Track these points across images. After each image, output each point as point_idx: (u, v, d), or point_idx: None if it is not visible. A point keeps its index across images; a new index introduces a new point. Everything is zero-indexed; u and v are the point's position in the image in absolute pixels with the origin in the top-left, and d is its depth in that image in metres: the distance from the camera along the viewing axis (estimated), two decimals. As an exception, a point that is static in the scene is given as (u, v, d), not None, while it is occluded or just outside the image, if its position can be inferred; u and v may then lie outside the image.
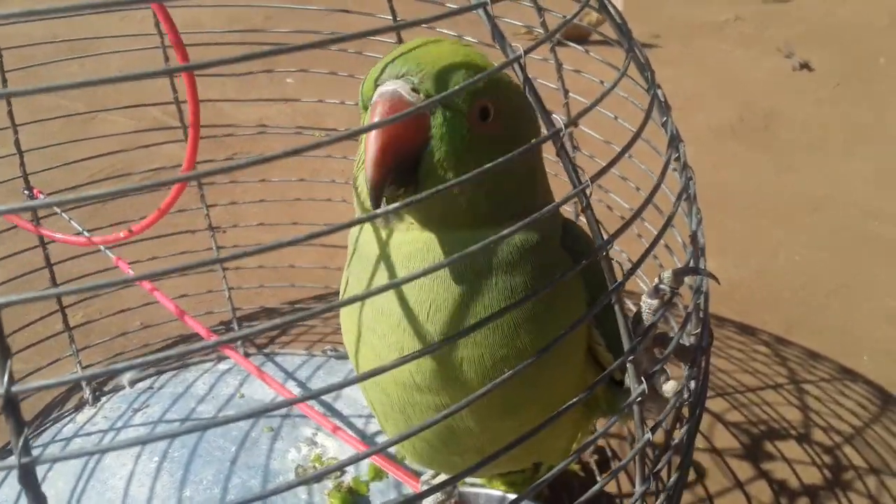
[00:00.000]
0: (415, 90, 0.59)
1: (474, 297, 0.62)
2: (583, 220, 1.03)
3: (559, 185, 0.72)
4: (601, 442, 1.21)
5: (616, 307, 0.57)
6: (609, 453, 1.19)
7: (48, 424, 1.23)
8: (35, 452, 1.15)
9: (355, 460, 0.46)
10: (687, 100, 2.43)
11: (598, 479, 1.15)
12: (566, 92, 1.13)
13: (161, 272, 0.42)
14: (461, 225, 0.62)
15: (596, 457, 1.20)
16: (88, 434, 1.19)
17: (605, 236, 0.55)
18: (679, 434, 0.68)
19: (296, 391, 1.27)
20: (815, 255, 1.75)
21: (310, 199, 1.39)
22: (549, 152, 0.65)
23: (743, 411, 1.33)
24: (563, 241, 0.67)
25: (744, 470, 1.22)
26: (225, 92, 1.93)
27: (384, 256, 0.64)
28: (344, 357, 1.37)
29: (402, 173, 0.59)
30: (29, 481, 0.41)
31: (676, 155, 0.72)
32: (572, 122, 0.54)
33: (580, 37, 2.39)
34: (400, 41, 1.19)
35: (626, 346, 0.58)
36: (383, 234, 0.65)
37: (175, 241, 1.33)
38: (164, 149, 1.32)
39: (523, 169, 0.65)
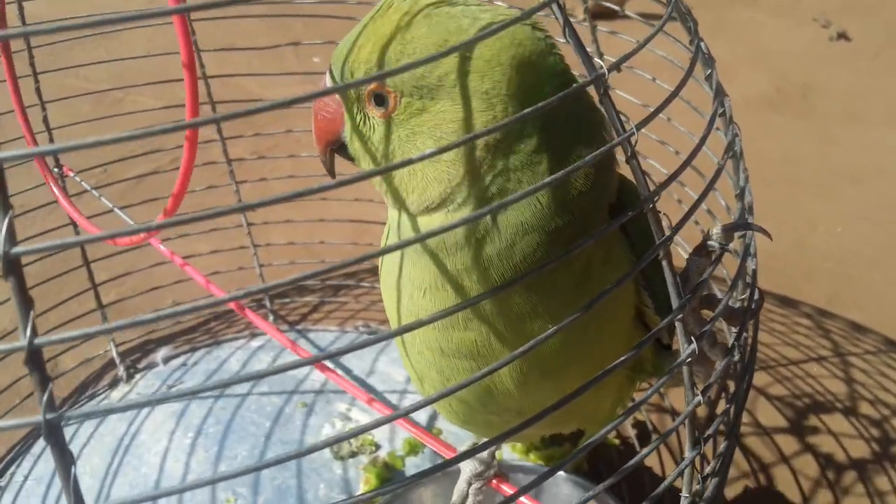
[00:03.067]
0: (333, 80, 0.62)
1: (511, 261, 0.59)
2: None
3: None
4: (641, 416, 1.19)
5: (664, 262, 0.54)
6: (650, 427, 1.16)
7: (83, 401, 1.23)
8: (69, 431, 1.15)
9: (391, 419, 0.44)
10: (722, 72, 2.37)
11: (639, 452, 1.13)
12: (601, 55, 1.10)
13: (187, 219, 0.40)
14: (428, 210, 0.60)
15: (636, 431, 1.17)
16: (122, 411, 1.19)
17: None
18: (721, 403, 0.65)
19: (329, 366, 1.26)
20: (856, 226, 1.70)
21: (338, 174, 1.37)
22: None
23: (786, 385, 1.30)
24: (613, 211, 0.63)
25: (789, 444, 1.19)
26: (251, 69, 1.92)
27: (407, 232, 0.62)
28: (375, 333, 1.35)
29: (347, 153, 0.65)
30: (55, 439, 0.40)
31: (721, 110, 0.68)
32: (616, 66, 0.52)
33: (605, 15, 2.33)
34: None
35: (674, 303, 0.55)
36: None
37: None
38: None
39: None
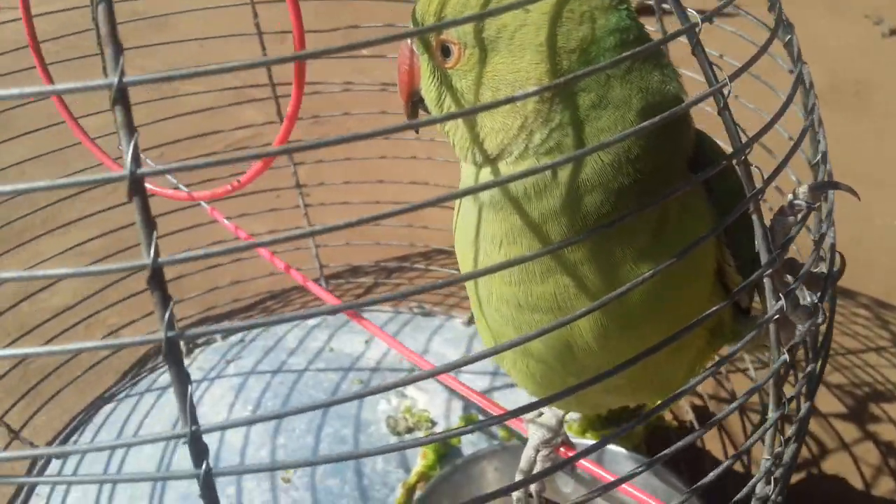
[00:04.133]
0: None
1: (577, 215, 0.59)
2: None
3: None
4: (699, 401, 1.18)
5: (755, 217, 0.54)
6: (713, 415, 1.15)
7: (144, 374, 1.25)
8: (130, 402, 1.17)
9: (470, 361, 0.43)
10: (773, 69, 2.34)
11: (699, 438, 1.12)
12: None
13: (269, 241, 0.41)
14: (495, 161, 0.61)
15: (694, 414, 1.16)
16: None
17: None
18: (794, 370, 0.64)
19: (384, 346, 1.26)
20: (913, 220, 1.67)
21: (394, 157, 1.38)
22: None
23: (845, 373, 1.28)
24: (692, 165, 0.63)
25: (849, 432, 1.17)
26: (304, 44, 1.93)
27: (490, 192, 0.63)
28: (428, 314, 1.35)
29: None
30: (174, 356, 0.41)
31: (801, 71, 0.68)
32: (709, 16, 0.52)
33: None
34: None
35: (763, 258, 0.55)
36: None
37: (262, 199, 1.34)
38: (245, 112, 1.33)
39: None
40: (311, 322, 1.32)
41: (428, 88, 0.64)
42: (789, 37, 0.70)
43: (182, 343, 1.29)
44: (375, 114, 1.34)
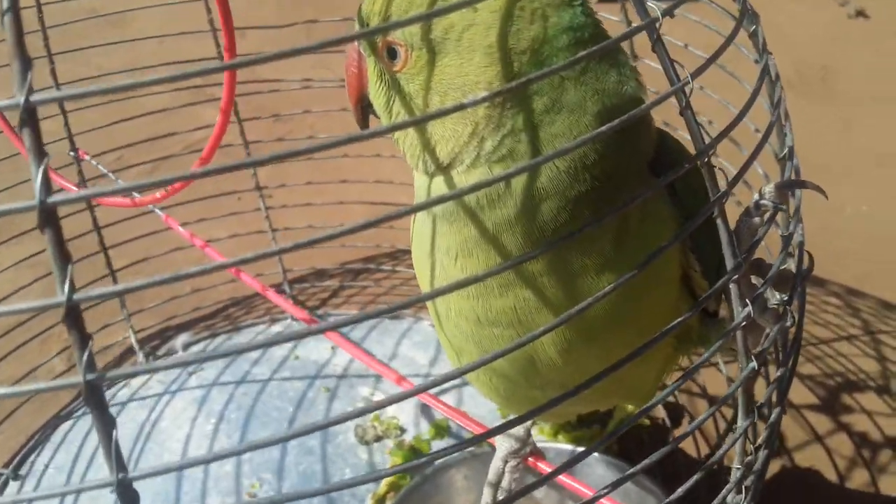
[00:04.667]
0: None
1: (533, 225, 0.57)
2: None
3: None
4: (670, 398, 1.16)
5: (719, 221, 0.52)
6: (685, 412, 1.14)
7: (102, 388, 1.21)
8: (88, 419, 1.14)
9: (420, 390, 0.41)
10: (739, 56, 2.34)
11: (671, 435, 1.10)
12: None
13: (236, 261, 0.38)
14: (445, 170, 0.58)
15: (666, 412, 1.14)
16: (143, 398, 1.17)
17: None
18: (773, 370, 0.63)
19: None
20: (883, 209, 1.66)
21: (358, 156, 1.35)
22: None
23: (817, 364, 1.27)
24: (654, 166, 0.61)
25: (822, 423, 1.16)
26: (262, 42, 1.89)
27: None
28: (396, 317, 1.33)
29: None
30: (96, 400, 0.38)
31: (766, 63, 0.66)
32: (669, 11, 0.49)
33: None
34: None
35: (729, 263, 0.52)
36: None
37: (222, 203, 1.31)
38: (205, 112, 1.29)
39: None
40: (275, 329, 1.29)
41: (376, 93, 0.61)
42: (754, 27, 0.68)
43: (142, 356, 1.24)
44: (336, 110, 1.30)
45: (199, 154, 1.29)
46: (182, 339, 1.27)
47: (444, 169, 0.58)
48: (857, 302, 1.41)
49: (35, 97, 0.35)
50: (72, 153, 1.17)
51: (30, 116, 0.35)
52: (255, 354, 1.24)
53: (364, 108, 0.64)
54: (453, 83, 0.55)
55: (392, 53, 0.57)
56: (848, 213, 1.65)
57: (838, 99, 2.13)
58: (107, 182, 1.14)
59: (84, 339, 0.37)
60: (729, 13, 0.73)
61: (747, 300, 0.54)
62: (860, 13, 2.58)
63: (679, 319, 0.49)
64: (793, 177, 0.64)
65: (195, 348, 1.26)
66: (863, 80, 2.21)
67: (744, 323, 0.53)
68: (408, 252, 1.44)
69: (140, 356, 1.24)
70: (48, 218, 0.36)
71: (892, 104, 2.08)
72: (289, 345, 1.26)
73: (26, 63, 0.35)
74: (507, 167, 0.55)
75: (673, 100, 0.51)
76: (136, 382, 1.20)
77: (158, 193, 0.74)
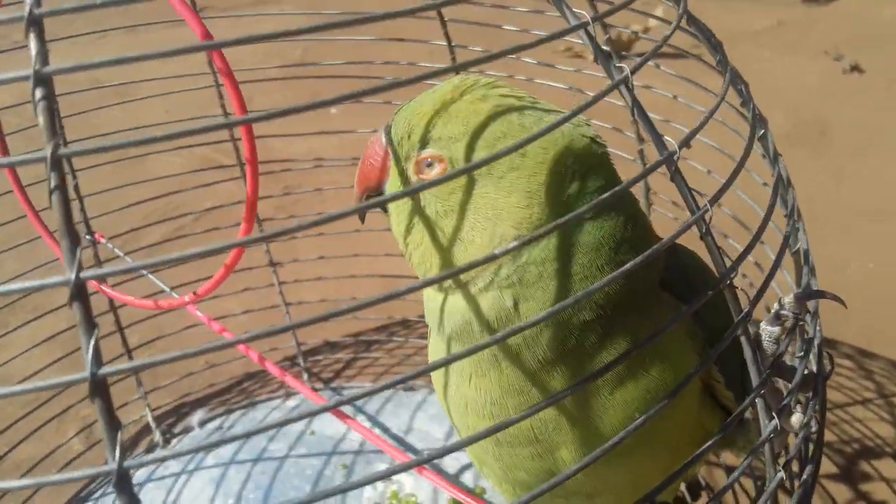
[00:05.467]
0: (389, 136, 0.63)
1: (541, 349, 0.58)
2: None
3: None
4: (690, 471, 1.16)
5: (743, 339, 0.53)
6: (703, 483, 1.14)
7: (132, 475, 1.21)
8: (108, 501, 1.14)
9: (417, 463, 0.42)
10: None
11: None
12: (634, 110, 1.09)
13: (255, 335, 0.40)
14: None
15: (685, 485, 1.14)
16: (161, 478, 1.17)
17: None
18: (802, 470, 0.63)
19: (367, 425, 1.24)
20: (888, 265, 1.67)
21: (368, 230, 1.36)
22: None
23: (833, 430, 1.27)
24: (664, 281, 0.62)
25: (841, 493, 1.16)
26: (271, 127, 1.92)
27: (454, 323, 0.62)
28: (411, 389, 1.33)
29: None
30: (125, 487, 0.38)
31: (778, 171, 0.68)
32: (685, 143, 0.51)
33: (621, 48, 2.34)
34: (456, 72, 1.17)
35: (755, 379, 0.54)
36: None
37: (235, 278, 1.31)
38: (218, 187, 1.31)
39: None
40: (291, 403, 1.29)
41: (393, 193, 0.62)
42: (763, 131, 0.70)
43: (159, 433, 1.24)
44: (347, 188, 1.32)
45: (212, 230, 1.32)
46: (198, 415, 1.28)
47: (456, 288, 0.59)
48: (868, 363, 1.41)
49: (85, 274, 0.36)
50: (88, 237, 1.18)
51: (80, 292, 0.37)
52: (271, 430, 1.24)
53: (367, 198, 0.66)
54: (485, 213, 0.57)
55: (430, 165, 0.60)
56: (853, 270, 1.66)
57: (835, 152, 2.15)
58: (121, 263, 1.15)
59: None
60: (740, 112, 0.75)
61: (773, 412, 0.55)
62: (854, 68, 2.62)
63: (707, 444, 0.50)
64: (809, 280, 0.65)
65: (211, 425, 1.27)
66: (858, 134, 2.24)
67: (771, 435, 0.55)
68: (419, 321, 1.45)
69: (157, 434, 1.24)
70: (98, 388, 0.37)
71: (888, 157, 2.10)
72: (304, 420, 1.26)
73: (75, 241, 0.37)
74: (516, 293, 0.57)
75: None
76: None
77: (188, 297, 0.75)
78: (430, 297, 0.63)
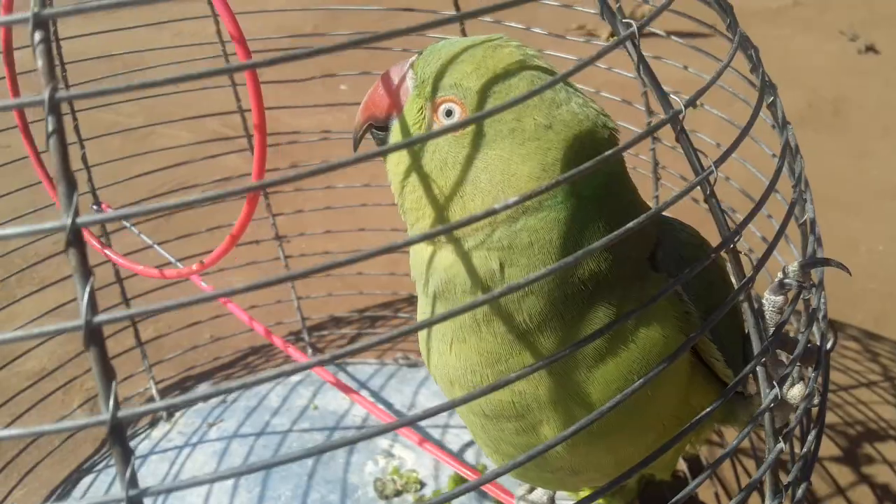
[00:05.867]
0: (415, 72, 0.61)
1: (523, 315, 0.57)
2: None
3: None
4: (693, 449, 1.16)
5: (745, 305, 0.52)
6: (704, 463, 1.13)
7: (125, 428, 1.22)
8: (109, 474, 1.14)
9: (400, 425, 0.42)
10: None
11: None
12: (640, 67, 1.08)
13: (242, 289, 0.39)
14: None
15: (687, 464, 1.14)
16: (164, 451, 1.17)
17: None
18: (804, 442, 0.62)
19: (370, 401, 1.24)
20: (898, 246, 1.66)
21: (375, 204, 1.36)
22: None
23: (837, 412, 1.26)
24: (656, 261, 0.61)
25: (844, 475, 1.15)
26: (280, 100, 1.92)
27: (438, 280, 0.60)
28: (415, 365, 1.33)
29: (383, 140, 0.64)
30: (118, 438, 0.38)
31: (786, 138, 0.66)
32: (690, 102, 0.50)
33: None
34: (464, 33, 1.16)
35: (756, 347, 0.53)
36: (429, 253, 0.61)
37: (241, 252, 1.31)
38: (225, 160, 1.31)
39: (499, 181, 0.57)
40: (295, 378, 1.29)
41: (401, 130, 0.61)
42: (773, 98, 0.69)
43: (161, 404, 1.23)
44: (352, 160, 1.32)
45: (217, 200, 1.32)
46: (202, 389, 1.28)
47: (441, 242, 0.58)
48: (875, 346, 1.40)
49: (81, 219, 0.36)
50: (94, 206, 1.18)
51: (76, 238, 0.36)
52: (274, 404, 1.24)
53: (366, 129, 0.64)
54: (495, 175, 0.56)
55: (449, 113, 0.58)
56: (863, 251, 1.65)
57: (851, 132, 2.13)
58: (128, 236, 1.15)
59: (127, 454, 0.38)
60: (749, 80, 0.74)
61: (774, 382, 0.54)
62: (870, 48, 2.59)
63: (703, 413, 0.49)
64: (815, 249, 0.64)
65: (214, 399, 1.27)
66: (874, 113, 2.21)
67: (771, 406, 0.54)
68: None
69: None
70: (93, 337, 0.37)
71: (904, 138, 2.08)
72: (308, 394, 1.26)
73: (72, 186, 0.36)
74: (504, 257, 0.56)
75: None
76: (156, 434, 1.21)
77: (195, 265, 0.75)
78: (417, 249, 0.62)
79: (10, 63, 0.73)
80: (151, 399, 1.26)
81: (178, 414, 1.25)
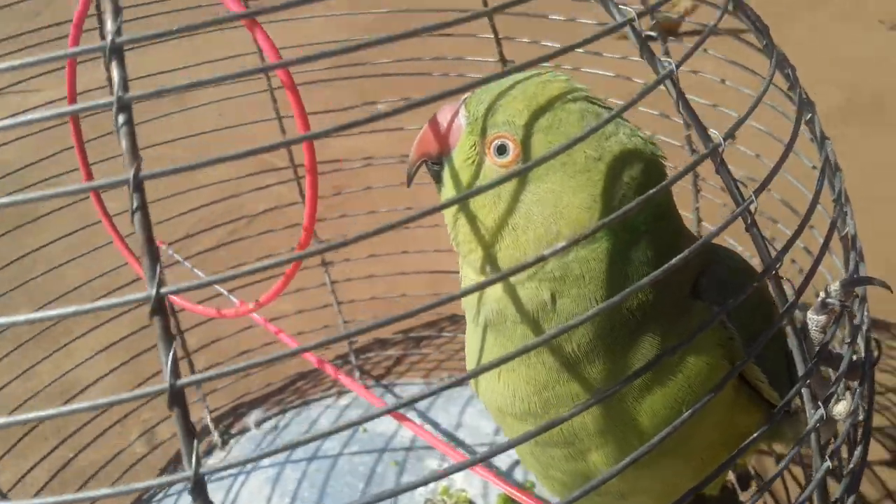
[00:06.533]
0: (467, 111, 0.63)
1: (571, 345, 0.59)
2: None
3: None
4: (742, 461, 1.15)
5: (789, 329, 0.53)
6: (752, 472, 1.13)
7: (181, 470, 1.25)
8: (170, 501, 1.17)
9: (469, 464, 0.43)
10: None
11: (740, 497, 1.09)
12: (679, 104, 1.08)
13: (316, 344, 0.41)
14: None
15: (735, 475, 1.14)
16: (220, 479, 1.21)
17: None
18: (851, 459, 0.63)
19: (417, 421, 1.26)
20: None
21: (417, 227, 1.38)
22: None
23: (886, 415, 1.25)
24: (698, 289, 0.62)
25: (893, 478, 1.14)
26: (322, 125, 1.94)
27: (489, 311, 0.62)
28: (462, 384, 1.35)
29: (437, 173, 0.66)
30: (200, 493, 0.40)
31: (825, 155, 0.67)
32: (729, 134, 0.51)
33: (669, 29, 2.30)
34: (503, 63, 1.17)
35: (799, 368, 0.53)
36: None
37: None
38: (271, 190, 1.34)
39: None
40: (343, 402, 1.32)
41: (454, 166, 0.63)
42: (810, 115, 0.69)
43: (217, 434, 1.28)
44: (396, 186, 1.34)
45: (267, 232, 1.35)
46: (254, 415, 1.31)
47: (495, 272, 0.60)
48: (925, 347, 1.38)
49: (165, 289, 0.38)
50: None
51: (160, 307, 0.39)
52: (324, 428, 1.26)
53: (420, 166, 0.66)
54: (547, 207, 0.58)
55: (501, 149, 0.60)
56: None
57: (893, 126, 2.09)
58: (182, 270, 1.19)
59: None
60: (786, 93, 0.74)
61: (819, 402, 0.55)
62: (911, 38, 2.53)
63: (748, 441, 0.50)
64: (857, 265, 0.65)
65: (267, 424, 1.30)
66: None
67: (817, 425, 0.54)
68: (467, 316, 1.47)
69: (215, 435, 1.28)
70: (176, 399, 0.39)
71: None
72: (356, 416, 1.28)
73: (155, 259, 0.39)
74: (555, 288, 0.58)
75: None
76: (212, 461, 1.24)
77: (252, 304, 0.78)
78: (468, 278, 0.64)
79: (82, 150, 0.78)
80: (206, 427, 1.29)
81: (232, 441, 1.28)
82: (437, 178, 0.66)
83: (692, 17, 2.32)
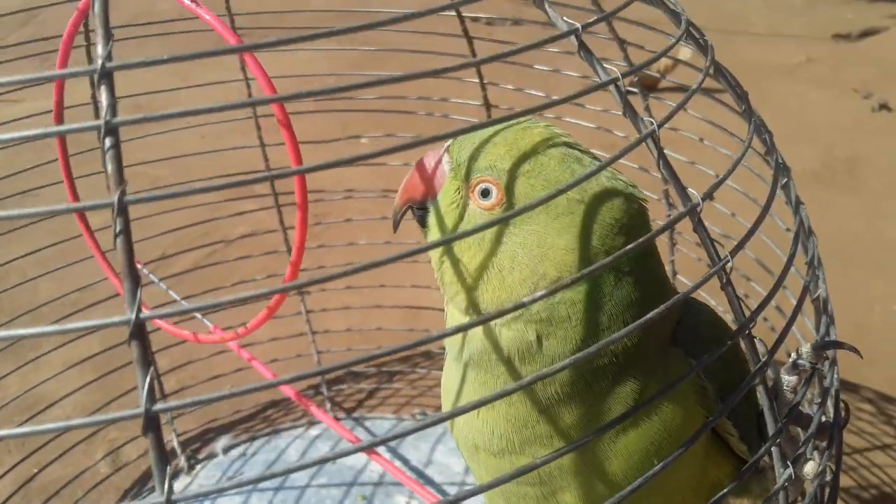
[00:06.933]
0: (451, 156, 0.64)
1: (554, 387, 0.60)
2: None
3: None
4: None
5: (760, 388, 0.54)
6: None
7: (145, 493, 1.24)
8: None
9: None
10: (764, 147, 2.37)
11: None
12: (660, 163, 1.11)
13: (302, 375, 0.42)
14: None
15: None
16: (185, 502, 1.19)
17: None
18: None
19: (387, 456, 1.26)
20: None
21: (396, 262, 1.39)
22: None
23: (852, 475, 1.26)
24: (676, 337, 0.63)
25: (860, 540, 1.15)
26: (305, 156, 1.95)
27: (474, 349, 0.63)
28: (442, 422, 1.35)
29: (422, 217, 0.66)
30: None
31: (799, 220, 0.69)
32: (707, 195, 0.53)
33: (649, 86, 2.35)
34: (487, 108, 1.19)
35: (771, 428, 0.55)
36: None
37: (263, 305, 1.34)
38: (251, 215, 1.34)
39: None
40: (314, 432, 1.31)
41: (438, 211, 0.64)
42: (786, 180, 0.71)
43: (184, 458, 1.26)
44: (376, 219, 1.35)
45: (245, 257, 1.35)
46: (222, 441, 1.30)
47: (483, 312, 0.60)
48: (889, 408, 1.40)
49: (144, 314, 0.39)
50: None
51: (139, 331, 0.39)
52: (293, 458, 1.26)
53: (405, 212, 0.67)
54: (532, 249, 0.59)
55: (485, 193, 0.61)
56: (877, 312, 1.66)
57: (866, 191, 2.15)
58: (156, 291, 1.18)
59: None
60: (763, 158, 0.76)
61: (788, 461, 0.56)
62: (883, 106, 2.62)
63: (720, 494, 0.51)
64: (828, 329, 0.66)
65: (235, 451, 1.29)
66: (889, 173, 2.23)
67: (786, 484, 0.55)
68: (441, 353, 1.47)
69: (182, 459, 1.26)
70: (150, 424, 0.39)
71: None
72: (326, 448, 1.28)
73: (136, 282, 0.39)
74: (541, 329, 0.59)
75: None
76: (177, 486, 1.23)
77: (238, 331, 0.78)
78: (454, 318, 0.64)
79: (67, 169, 0.78)
80: (172, 451, 1.28)
81: (199, 466, 1.27)
82: (423, 223, 0.67)
83: (671, 76, 2.38)
